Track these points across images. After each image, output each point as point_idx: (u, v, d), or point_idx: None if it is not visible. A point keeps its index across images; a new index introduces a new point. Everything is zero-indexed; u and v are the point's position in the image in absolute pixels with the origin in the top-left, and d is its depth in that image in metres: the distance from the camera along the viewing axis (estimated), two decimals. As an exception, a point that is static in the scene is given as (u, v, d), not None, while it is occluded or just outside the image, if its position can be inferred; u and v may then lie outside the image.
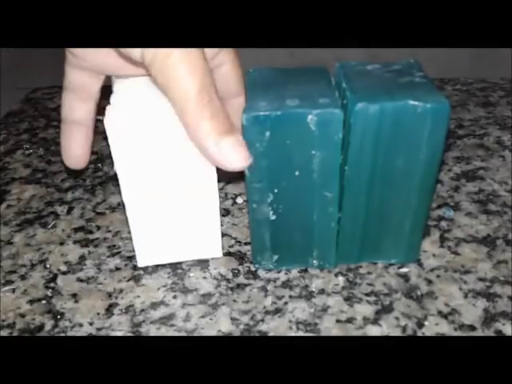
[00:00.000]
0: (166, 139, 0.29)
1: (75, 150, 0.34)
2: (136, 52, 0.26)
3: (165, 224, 0.32)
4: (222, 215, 0.38)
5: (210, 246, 0.34)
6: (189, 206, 0.32)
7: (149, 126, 0.28)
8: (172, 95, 0.26)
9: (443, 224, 0.36)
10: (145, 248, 0.33)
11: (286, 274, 0.33)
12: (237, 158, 0.27)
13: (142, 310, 0.31)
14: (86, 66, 0.31)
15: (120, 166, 0.30)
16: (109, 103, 0.30)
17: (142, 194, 0.31)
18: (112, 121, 0.28)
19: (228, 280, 0.33)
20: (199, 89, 0.26)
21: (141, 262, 0.33)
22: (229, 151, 0.27)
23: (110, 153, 0.29)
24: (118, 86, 0.31)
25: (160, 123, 0.28)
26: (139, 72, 0.31)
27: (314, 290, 0.32)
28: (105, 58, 0.31)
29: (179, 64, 0.25)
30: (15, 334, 0.30)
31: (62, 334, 0.30)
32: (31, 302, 0.32)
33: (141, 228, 0.32)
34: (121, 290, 0.32)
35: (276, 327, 0.30)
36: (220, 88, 0.29)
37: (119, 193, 0.31)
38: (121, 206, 0.39)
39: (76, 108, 0.33)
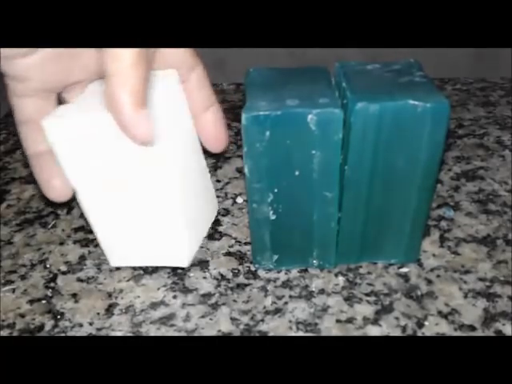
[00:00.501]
0: (114, 141, 0.28)
1: (54, 181, 0.31)
2: None
3: (128, 228, 0.31)
4: (222, 215, 0.38)
5: (176, 254, 0.33)
6: (150, 210, 0.31)
7: (94, 132, 0.28)
8: (107, 66, 0.26)
9: (443, 224, 0.36)
10: (112, 250, 0.33)
11: (286, 273, 0.33)
12: (148, 130, 0.26)
13: (142, 310, 0.31)
14: (34, 88, 0.30)
15: (69, 172, 0.29)
16: None
17: (100, 201, 0.30)
18: (51, 124, 0.28)
19: (228, 280, 0.33)
20: (134, 58, 0.26)
21: (112, 262, 0.33)
22: (143, 122, 0.26)
23: None
24: (88, 89, 0.31)
25: (108, 127, 0.27)
26: (86, 76, 0.31)
27: (313, 289, 0.32)
28: (51, 68, 0.29)
29: None
30: (15, 334, 0.30)
31: (62, 334, 0.30)
32: (31, 301, 0.32)
33: (104, 231, 0.32)
34: (121, 290, 0.32)
35: (276, 327, 0.30)
36: (174, 64, 0.30)
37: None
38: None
39: (38, 139, 0.31)
